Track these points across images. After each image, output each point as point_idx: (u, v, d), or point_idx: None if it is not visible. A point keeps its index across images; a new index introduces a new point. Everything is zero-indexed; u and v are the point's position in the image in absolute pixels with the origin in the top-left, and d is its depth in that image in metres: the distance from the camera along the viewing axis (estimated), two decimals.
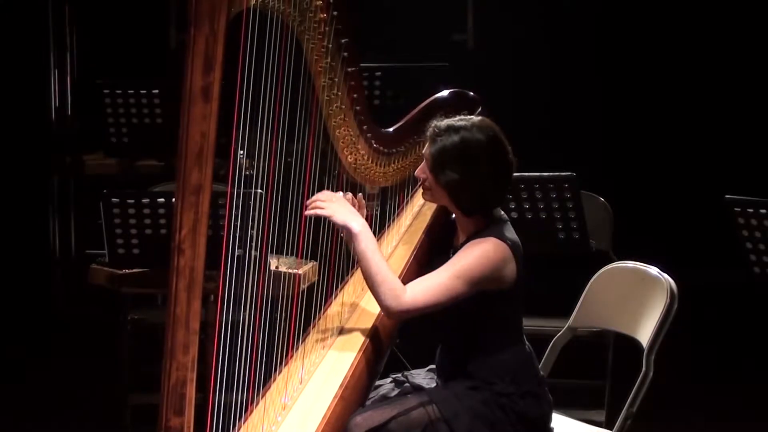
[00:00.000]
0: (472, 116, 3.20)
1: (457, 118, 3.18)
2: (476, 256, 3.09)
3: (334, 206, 3.13)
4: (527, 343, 3.24)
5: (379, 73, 5.01)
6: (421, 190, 3.59)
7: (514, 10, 6.71)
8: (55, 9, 6.61)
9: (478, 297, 3.09)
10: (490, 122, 3.17)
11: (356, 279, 3.39)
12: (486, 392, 3.10)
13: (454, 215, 3.28)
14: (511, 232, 3.17)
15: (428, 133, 3.17)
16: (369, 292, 3.30)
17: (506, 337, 3.17)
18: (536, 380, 3.20)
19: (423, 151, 3.20)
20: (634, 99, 6.80)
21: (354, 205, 3.22)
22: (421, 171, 3.19)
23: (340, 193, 3.19)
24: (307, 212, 3.11)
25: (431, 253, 3.38)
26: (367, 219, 3.34)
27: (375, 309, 3.24)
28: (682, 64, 6.76)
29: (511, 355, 3.16)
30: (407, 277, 3.32)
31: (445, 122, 3.16)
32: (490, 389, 3.10)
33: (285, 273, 3.65)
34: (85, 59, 6.67)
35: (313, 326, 3.28)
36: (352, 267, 3.42)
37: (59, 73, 6.63)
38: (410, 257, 3.39)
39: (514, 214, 4.28)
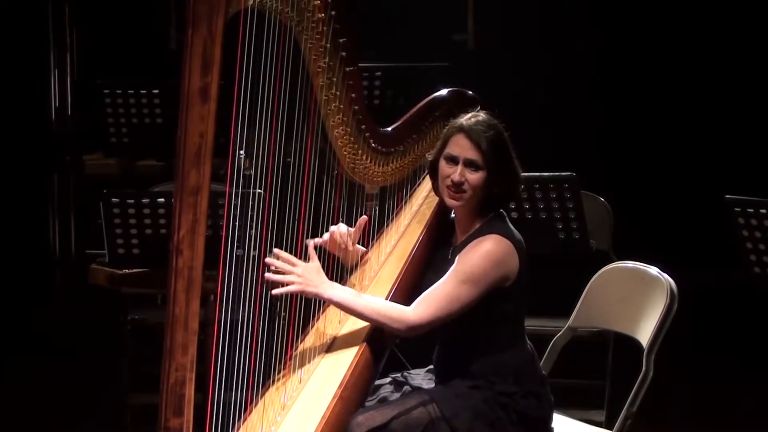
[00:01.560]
0: (480, 113, 3.21)
1: (470, 115, 3.18)
2: (479, 257, 3.09)
3: (302, 279, 3.08)
4: (529, 342, 3.24)
5: (379, 73, 5.02)
6: (420, 190, 3.60)
7: (514, 10, 6.70)
8: (55, 9, 6.61)
9: (483, 294, 3.09)
10: None
11: (356, 279, 3.39)
12: (487, 391, 3.10)
13: (453, 214, 3.28)
14: (512, 229, 3.17)
15: (459, 135, 3.15)
16: (368, 291, 3.30)
17: (509, 335, 3.17)
18: (538, 380, 3.20)
19: (454, 153, 3.16)
20: (634, 99, 6.79)
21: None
22: (461, 175, 3.15)
23: (313, 262, 3.14)
24: (275, 291, 3.06)
25: (430, 251, 3.38)
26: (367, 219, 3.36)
27: None
28: (682, 64, 6.76)
29: (513, 354, 3.16)
30: (406, 276, 3.32)
31: (473, 120, 3.16)
32: (492, 388, 3.10)
33: None
34: (85, 59, 6.67)
35: (312, 326, 3.28)
36: (352, 267, 3.42)
37: (59, 73, 6.63)
38: (409, 256, 3.38)
39: (514, 214, 4.28)
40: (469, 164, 3.14)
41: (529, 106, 6.48)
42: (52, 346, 6.11)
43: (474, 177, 3.14)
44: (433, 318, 3.07)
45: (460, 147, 3.15)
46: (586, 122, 6.74)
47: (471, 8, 6.78)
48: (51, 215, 6.67)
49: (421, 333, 3.10)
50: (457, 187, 3.15)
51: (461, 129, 3.16)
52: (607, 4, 6.78)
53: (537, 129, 6.26)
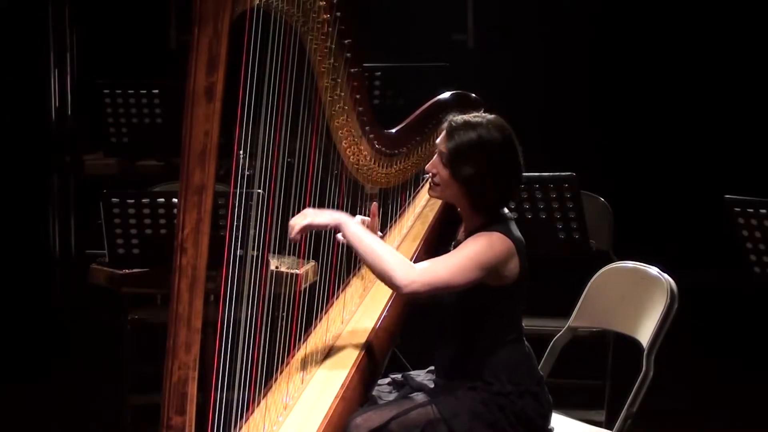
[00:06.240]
0: (486, 114, 3.19)
1: (473, 114, 3.17)
2: (483, 244, 3.07)
3: (310, 213, 3.10)
4: (527, 343, 3.24)
5: (379, 73, 5.01)
6: (423, 192, 3.60)
7: (514, 10, 6.71)
8: (55, 9, 6.60)
9: (480, 292, 3.08)
10: (504, 122, 3.17)
11: (358, 278, 3.40)
12: (484, 392, 3.10)
13: (459, 209, 3.28)
14: (516, 230, 3.17)
15: (444, 128, 3.16)
16: (371, 292, 3.30)
17: (504, 335, 3.17)
18: (535, 379, 3.20)
19: (437, 143, 3.18)
20: (634, 99, 6.80)
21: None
22: (433, 166, 3.17)
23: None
24: (293, 236, 3.07)
25: (434, 253, 3.37)
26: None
27: (377, 309, 3.24)
28: (682, 64, 6.77)
29: (508, 354, 3.16)
30: None
31: (461, 118, 3.15)
32: (488, 389, 3.10)
33: (285, 273, 3.65)
34: (85, 59, 6.66)
35: (315, 326, 3.28)
36: (353, 267, 3.42)
37: (59, 73, 6.62)
38: (412, 258, 3.38)
39: (514, 214, 4.28)
40: (442, 157, 3.15)
41: (529, 105, 6.48)
42: (52, 346, 6.11)
43: (443, 172, 3.15)
44: (435, 283, 3.01)
45: (440, 138, 3.17)
46: (586, 122, 6.74)
47: (471, 8, 6.78)
48: (51, 215, 6.66)
49: (417, 295, 3.06)
50: (432, 177, 3.17)
51: (448, 121, 3.17)
52: (607, 4, 6.79)
53: (537, 129, 6.26)
